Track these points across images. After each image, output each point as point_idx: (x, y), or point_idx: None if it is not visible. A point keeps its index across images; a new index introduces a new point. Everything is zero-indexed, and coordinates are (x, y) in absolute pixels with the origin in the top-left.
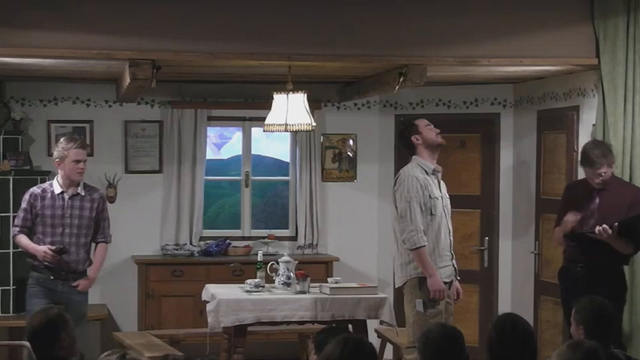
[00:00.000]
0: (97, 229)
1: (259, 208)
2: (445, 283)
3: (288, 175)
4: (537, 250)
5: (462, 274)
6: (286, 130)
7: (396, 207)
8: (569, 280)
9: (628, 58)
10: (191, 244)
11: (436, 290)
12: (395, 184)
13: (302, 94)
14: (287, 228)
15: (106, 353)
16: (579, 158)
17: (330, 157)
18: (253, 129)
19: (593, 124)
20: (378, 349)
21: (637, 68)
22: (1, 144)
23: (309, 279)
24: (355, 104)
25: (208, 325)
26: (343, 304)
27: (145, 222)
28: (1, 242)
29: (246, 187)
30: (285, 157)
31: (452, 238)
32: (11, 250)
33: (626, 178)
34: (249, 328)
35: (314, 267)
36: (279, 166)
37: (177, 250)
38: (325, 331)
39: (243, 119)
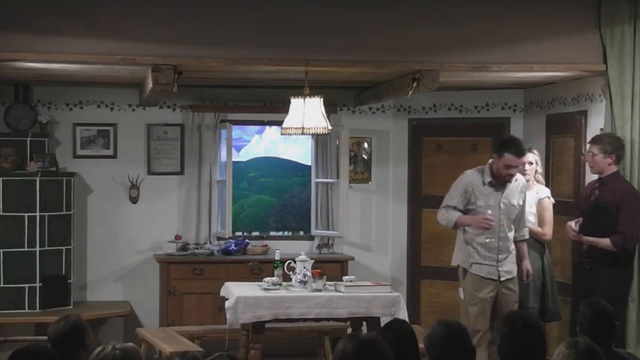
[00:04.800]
0: None
1: (277, 209)
2: (485, 279)
3: (305, 177)
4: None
5: None
6: (303, 133)
7: None
8: (577, 275)
9: (635, 64)
10: (210, 242)
11: (474, 221)
12: None
13: (318, 98)
14: (304, 228)
15: (98, 349)
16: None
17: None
18: (271, 132)
19: (601, 128)
20: None
21: None
22: (28, 146)
23: (324, 277)
24: (370, 108)
25: (227, 322)
26: (358, 302)
27: (167, 221)
28: (28, 241)
29: None
30: (302, 159)
31: (502, 244)
32: (37, 249)
33: (634, 181)
34: (267, 325)
35: (330, 266)
36: (295, 168)
37: (197, 249)
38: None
39: (262, 123)
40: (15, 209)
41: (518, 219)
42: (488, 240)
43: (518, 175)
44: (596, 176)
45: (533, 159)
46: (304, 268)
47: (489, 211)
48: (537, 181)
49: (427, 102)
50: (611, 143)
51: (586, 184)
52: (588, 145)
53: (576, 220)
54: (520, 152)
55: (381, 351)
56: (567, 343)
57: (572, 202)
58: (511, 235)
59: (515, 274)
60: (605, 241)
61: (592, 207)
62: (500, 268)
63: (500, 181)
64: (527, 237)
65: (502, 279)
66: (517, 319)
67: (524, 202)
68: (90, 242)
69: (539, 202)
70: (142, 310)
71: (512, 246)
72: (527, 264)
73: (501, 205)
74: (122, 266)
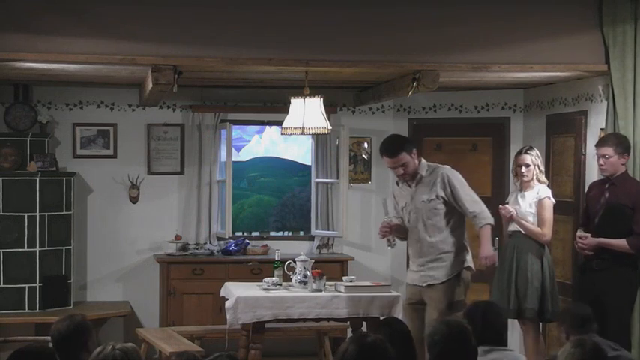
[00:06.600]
0: None
1: (277, 209)
2: (414, 286)
3: (305, 177)
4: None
5: (473, 273)
6: (303, 133)
7: None
8: (582, 275)
9: (636, 64)
10: (210, 243)
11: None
12: None
13: (318, 98)
14: (304, 228)
15: (98, 349)
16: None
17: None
18: (271, 132)
19: (601, 128)
20: None
21: None
22: (28, 146)
23: (324, 277)
24: (370, 108)
25: (227, 322)
26: (358, 302)
27: (167, 222)
28: (28, 241)
29: None
30: (302, 159)
31: (420, 245)
32: (37, 249)
33: None
34: (267, 325)
35: (330, 266)
36: (295, 168)
37: (197, 249)
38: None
39: (262, 123)
40: (15, 209)
41: (464, 209)
42: (390, 248)
43: (437, 167)
44: (595, 176)
45: (530, 160)
46: (304, 268)
47: (385, 218)
48: (540, 181)
49: (427, 102)
50: (622, 143)
51: (586, 184)
52: (596, 149)
53: (581, 229)
54: (384, 152)
55: (384, 354)
56: (573, 342)
57: (572, 202)
58: (437, 237)
59: (442, 279)
60: (621, 242)
61: (607, 208)
62: (422, 273)
63: (410, 180)
64: (481, 224)
65: (424, 284)
66: (482, 305)
67: (451, 193)
68: (90, 242)
69: (540, 202)
70: (142, 310)
71: (447, 247)
72: (482, 250)
73: (416, 204)
74: (122, 266)
